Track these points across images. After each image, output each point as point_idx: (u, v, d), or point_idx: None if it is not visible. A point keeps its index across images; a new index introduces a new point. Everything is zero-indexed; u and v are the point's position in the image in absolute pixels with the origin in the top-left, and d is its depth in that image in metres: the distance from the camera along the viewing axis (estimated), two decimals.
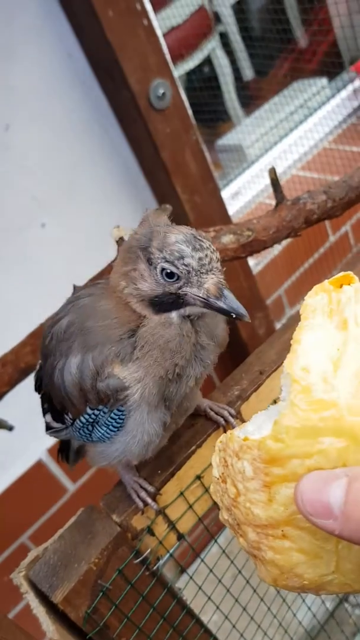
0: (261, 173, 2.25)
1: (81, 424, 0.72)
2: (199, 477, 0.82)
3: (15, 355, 1.14)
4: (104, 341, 0.67)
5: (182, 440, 0.82)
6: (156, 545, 0.80)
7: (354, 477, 0.39)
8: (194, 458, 0.81)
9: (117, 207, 1.66)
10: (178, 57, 2.40)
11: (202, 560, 0.94)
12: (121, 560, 0.74)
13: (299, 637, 1.51)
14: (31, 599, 0.70)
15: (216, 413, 0.83)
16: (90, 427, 0.71)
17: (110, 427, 0.70)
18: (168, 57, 1.51)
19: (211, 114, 2.56)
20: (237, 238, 1.07)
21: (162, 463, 0.80)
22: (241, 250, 1.09)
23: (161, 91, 1.49)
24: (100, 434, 0.71)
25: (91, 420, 0.70)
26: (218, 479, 0.49)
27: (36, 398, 0.84)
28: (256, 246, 1.09)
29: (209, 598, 0.96)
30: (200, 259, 0.62)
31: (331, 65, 2.38)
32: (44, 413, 0.82)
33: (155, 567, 0.79)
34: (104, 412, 0.69)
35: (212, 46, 2.55)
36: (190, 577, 0.92)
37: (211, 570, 0.95)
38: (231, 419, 0.82)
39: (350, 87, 2.38)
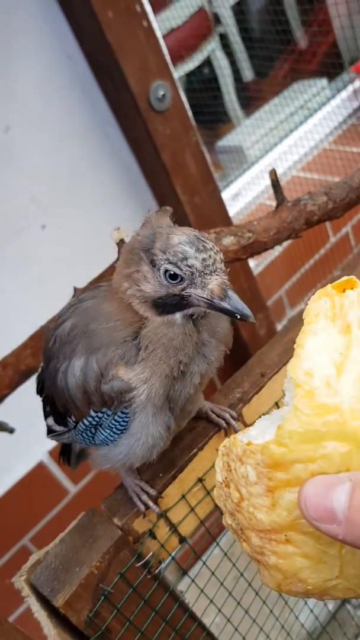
0: (261, 174, 2.24)
1: (84, 427, 0.72)
2: (200, 480, 0.82)
3: (15, 358, 1.14)
4: (108, 343, 0.67)
5: (183, 443, 0.81)
6: (158, 548, 0.79)
7: (358, 481, 0.39)
8: (196, 461, 0.81)
9: (117, 208, 1.66)
10: (178, 58, 2.39)
11: (204, 563, 0.94)
12: (123, 563, 0.74)
13: (301, 639, 1.51)
14: (32, 603, 0.70)
15: (217, 415, 0.82)
16: (93, 430, 0.71)
17: (114, 429, 0.69)
18: (168, 58, 1.51)
19: (211, 115, 2.56)
20: (237, 240, 1.07)
21: (163, 466, 0.80)
22: (242, 251, 1.08)
23: (161, 92, 1.49)
24: (103, 437, 0.71)
25: (94, 423, 0.70)
26: (221, 483, 0.49)
27: (37, 400, 0.84)
28: (257, 248, 1.09)
29: (211, 601, 0.96)
30: (204, 259, 0.62)
31: (331, 66, 2.38)
32: (46, 416, 0.81)
33: (157, 571, 0.79)
34: (108, 415, 0.68)
35: (212, 47, 2.55)
36: (192, 580, 0.92)
37: (213, 573, 0.94)
38: (232, 422, 0.82)
39: (350, 88, 2.38)
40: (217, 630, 0.96)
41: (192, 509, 0.82)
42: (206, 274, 0.62)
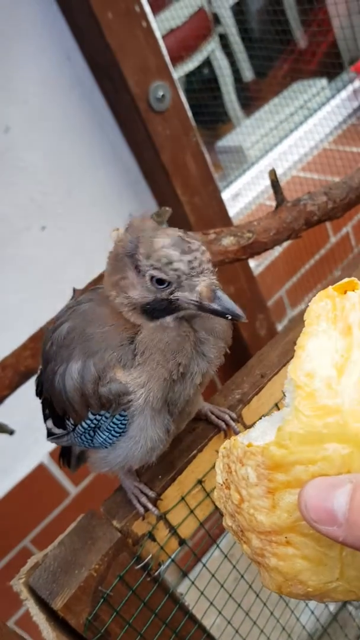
0: (261, 174, 2.24)
1: (82, 430, 0.71)
2: (200, 482, 0.81)
3: (15, 359, 1.14)
4: (105, 347, 0.66)
5: (183, 445, 0.81)
6: (157, 550, 0.79)
7: (359, 483, 0.39)
8: (195, 462, 0.80)
9: (117, 209, 1.66)
10: (178, 58, 2.40)
11: (204, 565, 0.94)
12: (122, 566, 0.74)
13: None
14: (31, 606, 0.69)
15: (217, 417, 0.82)
16: (92, 433, 0.71)
17: (113, 432, 0.69)
18: (167, 59, 1.50)
19: (211, 116, 2.55)
20: (237, 240, 1.07)
21: (162, 468, 0.80)
22: (242, 252, 1.08)
23: (160, 93, 1.49)
24: (102, 440, 0.70)
25: (93, 425, 0.70)
26: (222, 485, 0.49)
27: (37, 401, 0.84)
28: (257, 248, 1.09)
29: (211, 603, 0.96)
30: (189, 261, 0.61)
31: (331, 66, 2.38)
32: (45, 419, 0.81)
33: (156, 573, 0.79)
34: (106, 417, 0.68)
35: (211, 48, 2.55)
36: (192, 582, 0.91)
37: (213, 575, 0.94)
38: (232, 423, 0.81)
39: (350, 88, 2.37)
40: (217, 632, 0.96)
41: (192, 511, 0.81)
42: (193, 276, 0.61)
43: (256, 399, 0.85)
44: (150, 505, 0.77)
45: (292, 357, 0.44)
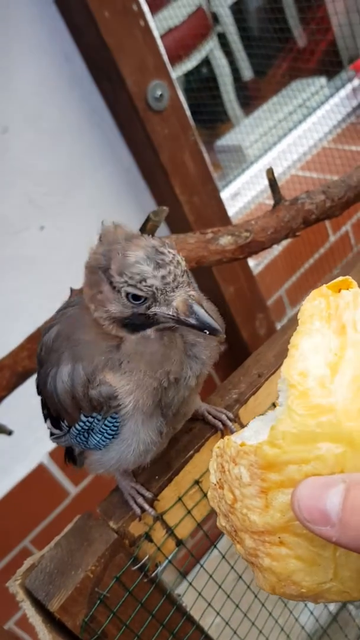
0: (261, 173, 2.24)
1: (77, 432, 0.71)
2: (197, 482, 0.81)
3: (13, 359, 1.13)
4: (92, 352, 0.66)
5: (179, 445, 0.80)
6: (154, 551, 0.79)
7: (352, 483, 0.39)
8: (192, 463, 0.80)
9: (115, 209, 1.65)
10: (176, 58, 2.39)
11: (202, 566, 0.93)
12: (119, 567, 0.73)
13: None
14: (27, 608, 0.69)
15: (214, 417, 0.82)
16: (86, 435, 0.70)
17: (105, 434, 0.68)
18: (166, 58, 1.50)
19: (210, 115, 2.55)
20: (235, 239, 1.06)
21: (159, 468, 0.79)
22: (239, 251, 1.08)
23: (159, 92, 1.48)
24: (95, 442, 0.70)
25: (86, 427, 0.69)
26: (215, 485, 0.49)
27: (37, 402, 0.84)
28: (254, 247, 1.08)
29: (209, 604, 0.95)
30: (163, 277, 0.59)
31: (330, 64, 2.37)
32: (45, 419, 0.81)
33: (153, 574, 0.78)
34: (98, 420, 0.68)
35: (210, 47, 2.54)
36: (190, 583, 0.91)
37: (211, 576, 0.94)
38: (229, 423, 0.81)
39: (349, 86, 2.37)
40: (215, 633, 0.95)
41: (189, 512, 0.81)
42: (168, 291, 0.60)
43: (253, 398, 0.85)
44: (147, 506, 0.76)
45: None
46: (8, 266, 1.50)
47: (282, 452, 0.41)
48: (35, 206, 1.51)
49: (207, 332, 0.60)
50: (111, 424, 0.67)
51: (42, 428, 0.82)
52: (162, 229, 1.59)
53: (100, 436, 0.69)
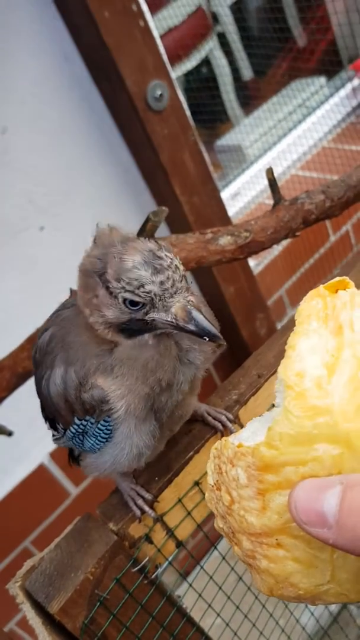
0: (261, 173, 2.23)
1: (72, 434, 0.71)
2: (197, 483, 0.81)
3: (12, 360, 1.13)
4: (84, 356, 0.65)
5: (179, 446, 0.80)
6: (154, 553, 0.78)
7: (349, 485, 0.38)
8: (192, 464, 0.80)
9: (115, 209, 1.65)
10: (176, 58, 2.39)
11: (202, 567, 0.93)
12: (118, 569, 0.73)
13: None
14: (27, 610, 0.69)
15: (214, 418, 0.81)
16: (81, 437, 0.70)
17: (99, 437, 0.68)
18: (165, 58, 1.50)
19: (210, 115, 2.55)
20: (234, 239, 1.06)
21: (159, 470, 0.79)
22: (239, 251, 1.08)
23: (158, 92, 1.48)
24: (90, 444, 0.70)
25: (80, 430, 0.69)
26: (213, 486, 0.48)
27: (37, 402, 0.84)
28: (254, 247, 1.08)
29: (210, 605, 0.95)
30: (161, 282, 0.58)
31: (330, 64, 2.37)
32: (44, 420, 0.81)
33: (153, 576, 0.78)
34: (92, 423, 0.67)
35: (210, 47, 2.54)
36: (190, 585, 0.91)
37: (211, 577, 0.93)
38: (229, 424, 0.81)
39: (349, 86, 2.36)
40: (216, 635, 0.95)
41: (189, 513, 0.81)
42: (167, 297, 0.59)
43: (253, 399, 0.84)
44: (146, 508, 0.76)
45: None
46: (8, 266, 1.49)
47: (280, 454, 0.41)
48: (35, 206, 1.51)
49: (207, 339, 0.60)
50: (104, 428, 0.67)
51: (43, 429, 0.82)
52: (162, 229, 1.59)
53: (94, 439, 0.69)
